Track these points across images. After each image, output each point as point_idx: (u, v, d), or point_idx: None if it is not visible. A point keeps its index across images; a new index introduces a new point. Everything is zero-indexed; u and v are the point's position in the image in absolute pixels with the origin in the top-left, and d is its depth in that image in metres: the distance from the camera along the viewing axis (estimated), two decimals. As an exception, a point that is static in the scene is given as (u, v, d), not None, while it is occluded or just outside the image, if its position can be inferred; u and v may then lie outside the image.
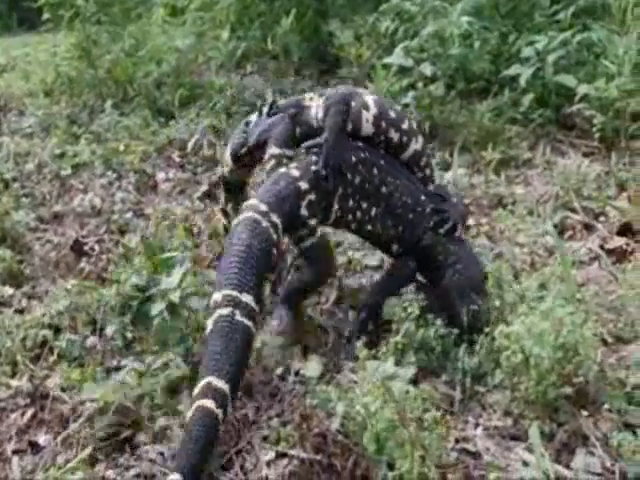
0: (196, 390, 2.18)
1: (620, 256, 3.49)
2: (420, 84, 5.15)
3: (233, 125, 5.41)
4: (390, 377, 1.99)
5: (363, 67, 5.95)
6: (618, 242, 3.65)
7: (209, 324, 2.31)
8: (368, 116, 2.97)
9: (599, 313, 2.86)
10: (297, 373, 2.65)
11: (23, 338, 2.86)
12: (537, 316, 2.36)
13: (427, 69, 5.13)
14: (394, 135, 3.01)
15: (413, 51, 5.38)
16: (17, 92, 7.09)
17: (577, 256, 3.58)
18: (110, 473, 2.21)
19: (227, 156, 3.38)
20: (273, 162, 2.99)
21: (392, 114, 3.03)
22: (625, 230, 3.73)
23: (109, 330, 2.72)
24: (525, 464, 2.19)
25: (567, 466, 2.22)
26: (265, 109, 3.23)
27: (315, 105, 3.07)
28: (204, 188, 4.57)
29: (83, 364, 2.68)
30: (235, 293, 2.36)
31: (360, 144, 2.99)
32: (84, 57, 6.47)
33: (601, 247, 3.60)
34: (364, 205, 2.95)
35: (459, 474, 2.14)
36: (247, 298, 2.37)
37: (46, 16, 6.78)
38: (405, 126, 3.04)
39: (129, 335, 2.73)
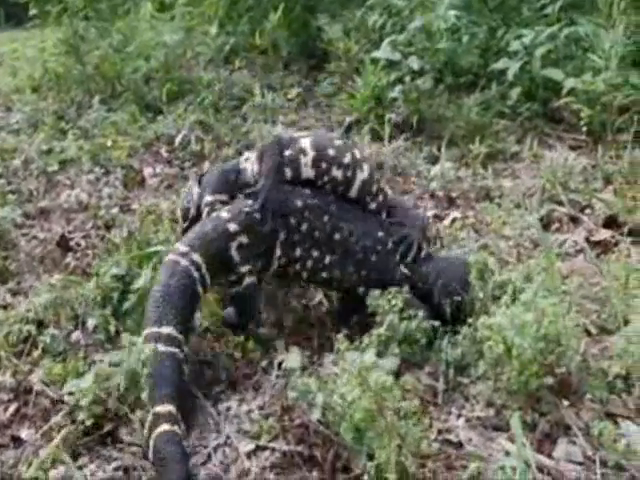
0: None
1: (605, 248, 3.51)
2: (408, 78, 5.15)
3: (221, 120, 5.42)
4: (369, 367, 1.98)
5: (352, 62, 5.94)
6: (604, 234, 3.66)
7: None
8: (306, 160, 2.94)
9: (583, 304, 2.87)
10: (280, 366, 2.64)
11: (7, 334, 2.84)
12: (519, 307, 2.37)
13: (414, 63, 5.15)
14: (337, 173, 2.96)
15: (401, 45, 5.38)
16: (4, 88, 7.06)
17: (563, 249, 3.60)
18: (92, 466, 2.21)
19: (180, 217, 3.39)
20: (207, 209, 3.00)
21: (331, 152, 2.97)
22: (610, 222, 3.75)
23: (90, 323, 2.71)
24: (507, 454, 2.20)
25: (549, 456, 2.23)
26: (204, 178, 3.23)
27: (250, 163, 3.08)
28: (191, 183, 4.55)
29: (67, 359, 2.68)
30: (155, 329, 2.47)
31: (308, 191, 2.94)
32: (72, 53, 6.45)
33: (587, 239, 3.61)
34: (315, 253, 2.90)
35: (440, 464, 2.14)
36: (167, 329, 2.47)
37: (33, 12, 6.77)
38: (347, 160, 2.98)
39: (112, 328, 2.73)
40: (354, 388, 1.97)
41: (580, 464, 2.20)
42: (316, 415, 2.15)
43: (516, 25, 5.52)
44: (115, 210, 4.10)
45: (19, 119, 5.93)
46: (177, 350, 2.45)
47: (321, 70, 6.46)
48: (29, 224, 4.15)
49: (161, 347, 2.41)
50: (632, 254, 3.29)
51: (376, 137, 4.99)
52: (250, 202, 2.85)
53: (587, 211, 3.93)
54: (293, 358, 2.47)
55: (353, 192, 3.02)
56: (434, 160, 4.67)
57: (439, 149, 4.75)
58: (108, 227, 3.95)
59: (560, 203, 3.99)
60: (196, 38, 7.02)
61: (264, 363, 2.69)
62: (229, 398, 2.52)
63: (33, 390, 2.52)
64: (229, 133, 5.19)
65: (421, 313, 2.69)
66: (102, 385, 2.28)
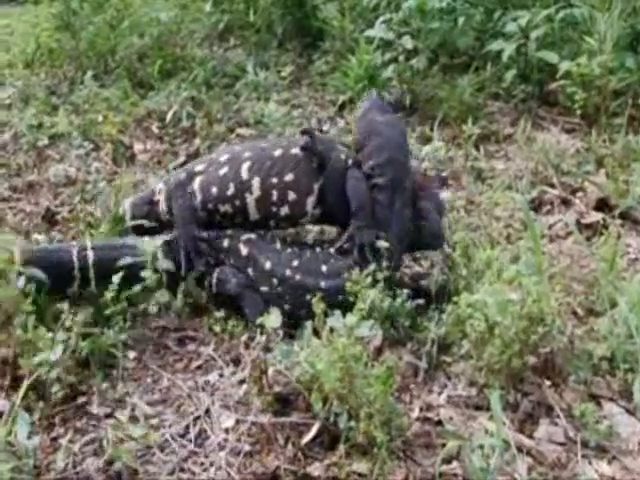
0: None
1: (596, 231, 3.47)
2: (402, 58, 5.08)
3: (213, 97, 5.36)
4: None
5: (346, 41, 5.87)
6: (594, 217, 3.64)
7: None
8: (197, 204, 2.93)
9: (571, 286, 2.84)
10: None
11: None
12: (502, 284, 2.33)
13: (408, 42, 5.06)
14: (225, 208, 2.91)
15: (395, 25, 5.30)
16: (-3, 63, 6.98)
17: (553, 230, 3.57)
18: (68, 437, 2.19)
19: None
20: None
21: (214, 190, 2.90)
22: (602, 205, 3.72)
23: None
24: (487, 433, 2.17)
25: (530, 436, 2.21)
26: None
27: (161, 199, 3.06)
28: (182, 159, 4.51)
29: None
30: None
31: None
32: (65, 28, 6.36)
33: (577, 222, 3.58)
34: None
35: (420, 441, 2.12)
36: None
37: (28, -12, 6.69)
38: (231, 191, 2.88)
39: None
40: (324, 356, 1.92)
41: (561, 445, 2.18)
42: (296, 373, 2.09)
43: (512, 7, 5.44)
44: (102, 184, 4.05)
45: (11, 94, 5.85)
46: None
47: (316, 49, 6.37)
48: (16, 197, 4.11)
49: None
50: (622, 237, 3.26)
51: (369, 116, 4.92)
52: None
53: (579, 194, 3.89)
54: (274, 318, 2.38)
55: (253, 217, 2.92)
56: (426, 140, 4.62)
57: (432, 129, 4.70)
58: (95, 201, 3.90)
59: (552, 185, 3.95)
60: (190, 15, 6.95)
61: (244, 337, 2.66)
62: (209, 371, 2.50)
63: (8, 362, 2.48)
64: (221, 110, 5.13)
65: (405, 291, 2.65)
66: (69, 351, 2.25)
